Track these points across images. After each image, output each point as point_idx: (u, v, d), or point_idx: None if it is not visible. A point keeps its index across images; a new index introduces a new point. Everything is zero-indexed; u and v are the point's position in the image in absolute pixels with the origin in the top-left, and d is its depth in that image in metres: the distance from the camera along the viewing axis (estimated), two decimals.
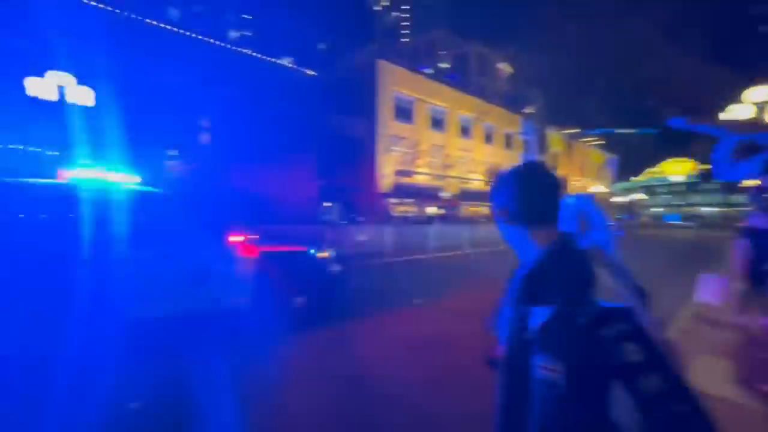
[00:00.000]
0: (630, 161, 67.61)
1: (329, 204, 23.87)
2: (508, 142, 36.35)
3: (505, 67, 61.83)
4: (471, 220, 24.28)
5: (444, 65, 56.60)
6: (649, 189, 70.89)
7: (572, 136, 47.08)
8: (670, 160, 67.95)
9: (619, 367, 0.77)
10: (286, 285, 4.58)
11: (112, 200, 3.74)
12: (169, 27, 20.02)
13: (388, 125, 25.11)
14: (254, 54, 22.34)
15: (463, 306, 6.09)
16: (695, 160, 65.19)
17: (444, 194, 27.87)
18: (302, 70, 23.94)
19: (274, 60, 23.84)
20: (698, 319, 5.72)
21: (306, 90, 22.28)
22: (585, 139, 51.31)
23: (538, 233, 0.96)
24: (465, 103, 31.12)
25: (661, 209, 69.62)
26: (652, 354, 0.79)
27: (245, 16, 56.63)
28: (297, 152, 20.69)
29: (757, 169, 2.39)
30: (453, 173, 29.83)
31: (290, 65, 26.00)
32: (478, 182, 31.57)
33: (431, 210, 27.39)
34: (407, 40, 73.76)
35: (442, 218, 22.69)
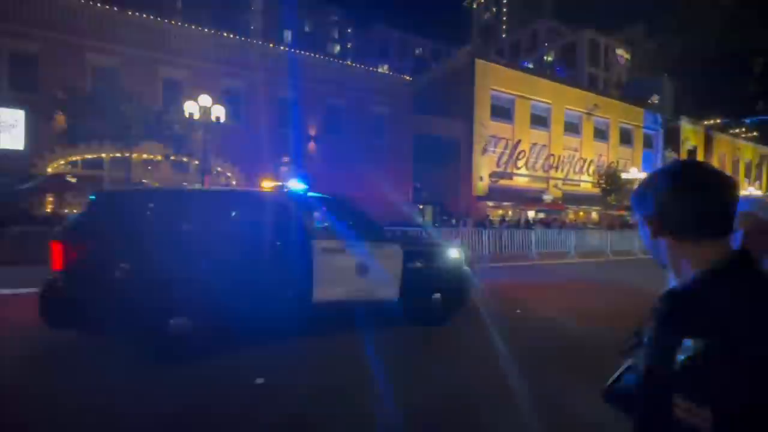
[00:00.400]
0: None
1: (422, 206, 24.05)
2: (627, 137, 32.01)
3: (623, 54, 54.66)
4: (578, 226, 21.98)
5: (548, 58, 52.45)
6: None
7: (713, 128, 39.28)
8: None
9: None
10: (426, 281, 4.97)
11: (306, 205, 4.73)
12: (283, 48, 22.46)
13: (484, 125, 24.26)
14: (354, 64, 23.71)
15: (576, 320, 5.54)
16: None
17: (546, 197, 25.78)
18: (399, 75, 24.62)
19: (372, 69, 24.99)
20: None
21: (403, 95, 22.84)
22: (733, 131, 42.38)
23: (696, 248, 0.77)
24: (572, 98, 28.38)
25: None
26: None
27: (348, 30, 60.50)
28: (394, 156, 21.32)
29: None
30: (557, 174, 27.43)
31: (388, 72, 26.94)
32: (586, 184, 28.46)
33: (531, 214, 25.56)
34: (506, 36, 70.31)
35: (544, 223, 21.00)
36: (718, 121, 42.79)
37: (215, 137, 13.61)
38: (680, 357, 0.69)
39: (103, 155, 15.44)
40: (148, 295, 3.63)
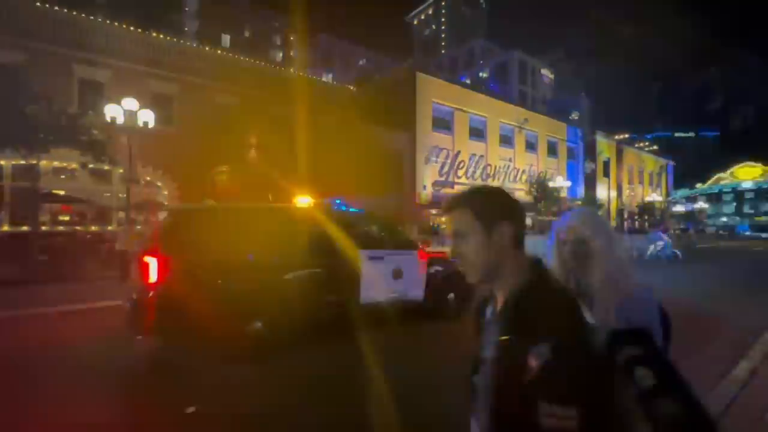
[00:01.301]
0: (690, 167, 62.49)
1: None
2: (553, 149, 35.01)
3: (548, 74, 60.02)
4: None
5: (483, 75, 55.97)
6: (712, 197, 64.55)
7: (623, 142, 44.41)
8: (742, 164, 61.62)
9: (635, 395, 0.67)
10: (444, 283, 5.66)
11: (350, 218, 5.28)
12: (221, 51, 21.50)
13: (427, 136, 25.13)
14: (297, 72, 23.37)
15: None
16: (764, 164, 58.75)
17: None
18: (344, 86, 24.71)
19: (317, 78, 24.82)
20: None
21: (348, 105, 22.92)
22: (638, 145, 48.23)
23: (521, 255, 0.87)
24: (506, 112, 30.49)
25: (728, 218, 63.33)
26: (667, 375, 0.68)
27: (291, 38, 59.59)
28: (339, 165, 21.20)
29: None
30: (495, 183, 29.13)
31: (331, 81, 26.94)
32: (520, 192, 30.53)
33: None
34: (444, 52, 73.97)
35: None
36: (626, 136, 48.53)
37: (143, 144, 12.53)
38: (535, 362, 0.70)
39: (3, 162, 13.51)
40: (229, 304, 3.99)
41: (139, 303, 3.98)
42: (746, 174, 60.71)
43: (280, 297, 4.26)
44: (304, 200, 5.79)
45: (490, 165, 28.87)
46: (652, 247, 16.49)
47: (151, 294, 3.94)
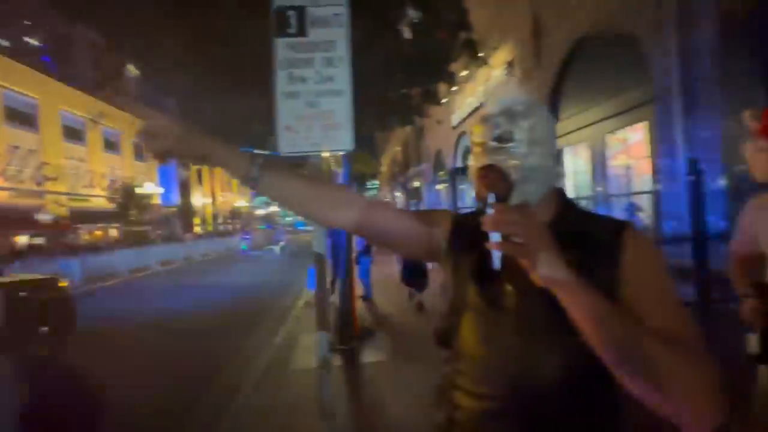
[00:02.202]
0: None
1: None
2: (141, 152, 31.98)
3: (132, 69, 54.23)
4: (91, 247, 19.24)
5: (33, 42, 41.95)
6: None
7: None
8: None
9: None
10: (33, 314, 5.36)
11: None
12: None
13: None
14: None
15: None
16: None
17: (44, 217, 20.47)
18: None
19: None
20: (307, 303, 7.13)
21: None
22: None
23: None
24: (70, 99, 24.47)
25: (292, 218, 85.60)
26: None
27: None
28: None
29: None
30: (59, 188, 22.53)
31: None
32: (100, 199, 25.56)
33: (24, 240, 19.32)
34: None
35: (38, 249, 16.53)
36: None
37: None
38: None
39: None
40: None
41: None
42: None
43: None
44: None
45: (49, 164, 21.98)
46: (277, 247, 20.72)
47: None
